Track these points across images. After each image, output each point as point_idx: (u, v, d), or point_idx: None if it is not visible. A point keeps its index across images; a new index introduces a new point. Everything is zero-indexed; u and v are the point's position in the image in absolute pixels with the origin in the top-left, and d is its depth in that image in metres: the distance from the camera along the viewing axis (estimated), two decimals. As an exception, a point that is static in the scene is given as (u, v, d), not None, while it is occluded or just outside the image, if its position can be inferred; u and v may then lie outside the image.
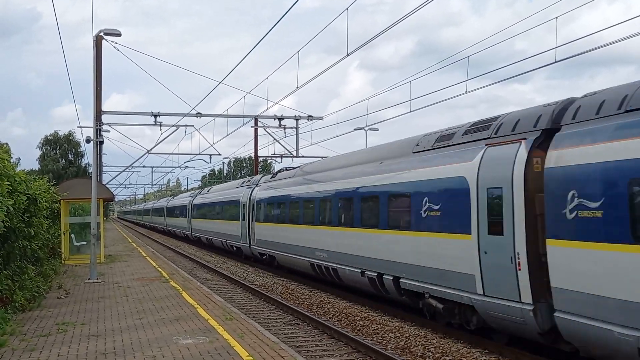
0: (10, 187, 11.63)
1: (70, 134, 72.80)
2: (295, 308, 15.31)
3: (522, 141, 9.86)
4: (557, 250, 8.79)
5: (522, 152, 9.71)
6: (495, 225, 10.08)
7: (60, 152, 73.51)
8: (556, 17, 14.78)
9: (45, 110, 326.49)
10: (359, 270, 15.14)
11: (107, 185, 37.54)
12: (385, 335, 12.24)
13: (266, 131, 34.52)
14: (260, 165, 60.25)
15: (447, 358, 10.35)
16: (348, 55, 18.15)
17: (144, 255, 29.23)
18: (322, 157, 25.81)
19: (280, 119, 32.34)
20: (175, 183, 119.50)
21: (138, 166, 62.21)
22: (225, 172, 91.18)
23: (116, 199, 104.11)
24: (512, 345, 10.58)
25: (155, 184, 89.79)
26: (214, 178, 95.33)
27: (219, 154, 39.75)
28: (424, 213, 12.16)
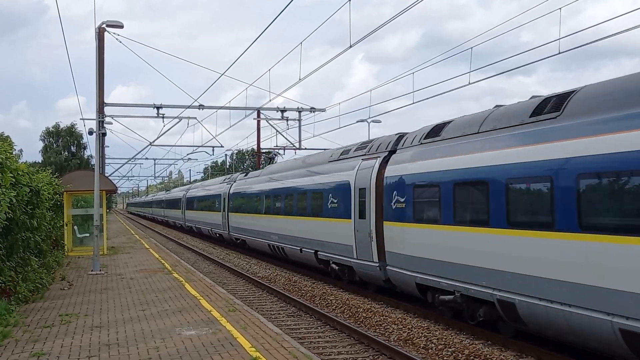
0: (13, 179, 11.63)
1: (72, 125, 72.73)
2: (298, 300, 15.33)
3: (377, 158, 15.11)
4: (387, 228, 13.95)
5: (376, 165, 14.94)
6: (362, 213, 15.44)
7: (62, 144, 73.48)
8: (560, 8, 14.71)
9: (50, 102, 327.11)
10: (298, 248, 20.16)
11: (109, 177, 37.56)
12: (388, 326, 12.25)
13: (269, 123, 34.51)
14: (262, 157, 60.18)
15: (450, 349, 10.35)
16: (351, 46, 18.08)
17: (147, 247, 29.27)
18: (324, 149, 26.01)
19: (283, 110, 32.29)
20: (177, 175, 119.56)
21: (141, 158, 62.16)
22: (228, 164, 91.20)
23: (119, 191, 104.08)
24: (515, 338, 10.58)
25: (158, 176, 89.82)
26: (216, 170, 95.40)
27: (222, 146, 39.65)
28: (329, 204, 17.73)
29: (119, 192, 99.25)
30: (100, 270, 18.13)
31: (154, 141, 35.31)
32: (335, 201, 17.18)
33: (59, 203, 21.97)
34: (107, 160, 45.28)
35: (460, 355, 10.05)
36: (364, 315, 13.42)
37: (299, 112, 32.47)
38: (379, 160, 14.89)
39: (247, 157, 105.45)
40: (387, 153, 14.86)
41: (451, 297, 11.49)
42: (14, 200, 11.23)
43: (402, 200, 13.21)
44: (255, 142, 40.18)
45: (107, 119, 29.57)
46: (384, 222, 14.14)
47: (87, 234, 24.22)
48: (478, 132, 11.29)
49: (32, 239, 14.29)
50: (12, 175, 11.45)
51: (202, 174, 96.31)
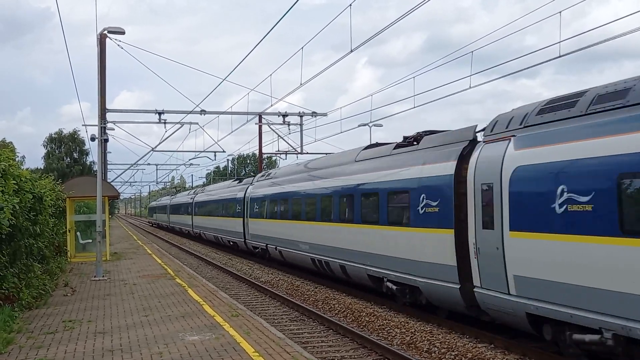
0: (16, 186, 11.67)
1: (75, 132, 72.71)
2: (301, 304, 15.34)
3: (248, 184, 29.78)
4: (247, 221, 28.78)
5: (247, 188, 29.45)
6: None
7: (64, 150, 73.41)
8: (560, 12, 14.73)
9: (54, 108, 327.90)
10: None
11: (112, 183, 37.58)
12: (391, 330, 12.25)
13: (270, 128, 34.53)
14: (264, 162, 60.15)
15: (453, 353, 10.36)
16: (352, 51, 18.09)
17: (149, 252, 29.31)
18: (326, 154, 26.28)
19: (285, 115, 32.32)
20: (179, 180, 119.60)
21: (143, 164, 62.20)
22: (229, 169, 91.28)
23: (121, 197, 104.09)
24: (517, 338, 10.58)
25: (160, 182, 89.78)
26: (218, 175, 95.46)
27: (224, 151, 39.58)
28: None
29: (121, 197, 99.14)
30: (103, 276, 18.16)
31: (155, 147, 35.38)
32: (234, 207, 30.44)
33: (61, 209, 22.03)
34: (109, 166, 45.31)
35: (463, 359, 10.05)
36: (367, 319, 13.42)
37: (301, 116, 32.51)
38: (248, 185, 28.76)
39: (249, 161, 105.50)
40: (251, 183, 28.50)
41: (274, 249, 23.20)
42: (17, 207, 11.27)
43: (252, 206, 26.60)
44: (257, 147, 40.13)
45: (109, 125, 29.62)
46: (249, 218, 27.33)
47: (90, 240, 24.24)
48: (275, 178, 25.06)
49: (35, 245, 14.33)
50: (15, 182, 11.50)
51: (204, 179, 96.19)
